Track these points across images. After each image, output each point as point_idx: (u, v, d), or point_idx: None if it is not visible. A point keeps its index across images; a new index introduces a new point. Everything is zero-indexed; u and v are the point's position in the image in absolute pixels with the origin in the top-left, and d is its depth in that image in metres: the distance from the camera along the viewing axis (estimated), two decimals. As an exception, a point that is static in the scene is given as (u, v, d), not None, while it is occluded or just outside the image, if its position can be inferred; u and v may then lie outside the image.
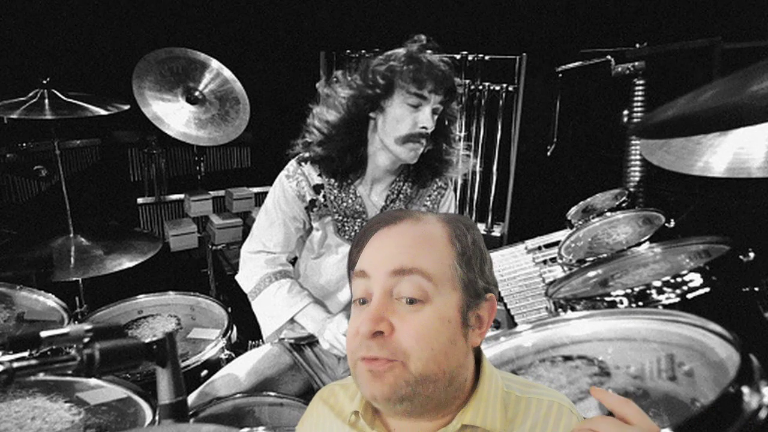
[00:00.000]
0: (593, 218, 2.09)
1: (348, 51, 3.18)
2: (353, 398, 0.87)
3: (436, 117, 1.56)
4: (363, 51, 3.09)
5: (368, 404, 0.83)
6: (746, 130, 1.14)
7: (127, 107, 2.38)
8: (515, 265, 2.15)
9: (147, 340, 0.89)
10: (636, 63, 2.48)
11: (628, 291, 1.29)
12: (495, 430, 0.77)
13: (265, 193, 2.04)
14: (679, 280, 1.24)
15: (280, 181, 1.69)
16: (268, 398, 1.56)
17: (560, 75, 2.66)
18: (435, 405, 0.76)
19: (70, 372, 0.80)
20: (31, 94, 2.25)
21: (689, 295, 1.22)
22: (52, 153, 2.39)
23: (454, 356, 0.76)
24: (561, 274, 1.89)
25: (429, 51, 1.56)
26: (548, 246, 2.18)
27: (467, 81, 2.99)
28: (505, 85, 2.95)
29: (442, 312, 0.76)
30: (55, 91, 2.28)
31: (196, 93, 2.85)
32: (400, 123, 1.53)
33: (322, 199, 1.67)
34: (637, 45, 2.50)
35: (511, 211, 3.08)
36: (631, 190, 2.43)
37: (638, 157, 2.57)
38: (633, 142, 2.58)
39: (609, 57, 2.53)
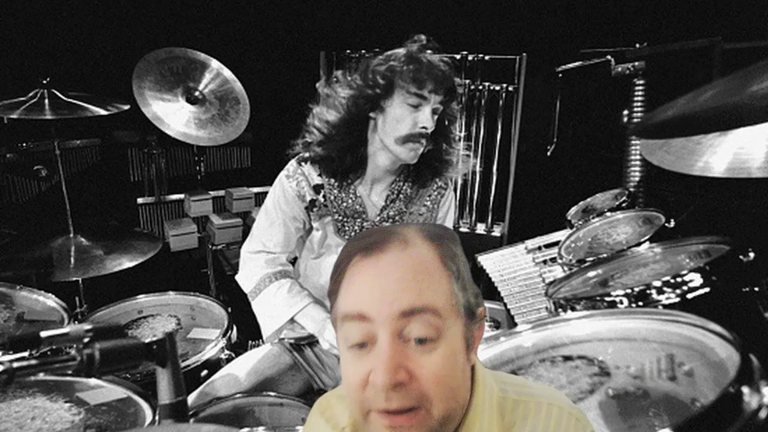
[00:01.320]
0: (593, 218, 2.09)
1: (348, 51, 3.18)
2: (346, 411, 0.85)
3: (436, 117, 1.56)
4: (363, 51, 3.09)
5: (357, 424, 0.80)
6: (746, 130, 1.14)
7: (127, 107, 2.38)
8: (515, 265, 2.15)
9: (147, 340, 0.90)
10: (636, 63, 2.48)
11: (628, 291, 1.29)
12: None
13: (265, 193, 2.03)
14: (679, 280, 1.24)
15: (280, 181, 1.69)
16: (268, 398, 1.56)
17: (560, 75, 2.66)
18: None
19: (70, 372, 0.80)
20: (31, 94, 2.25)
21: (689, 295, 1.22)
22: (52, 153, 2.39)
23: (465, 385, 0.75)
24: (561, 274, 1.88)
25: (429, 51, 1.56)
26: (548, 246, 2.18)
27: (467, 81, 2.99)
28: (505, 85, 2.95)
29: (453, 346, 0.72)
30: (55, 91, 2.28)
31: (196, 93, 2.85)
32: (400, 123, 1.53)
33: (322, 199, 1.67)
34: (637, 45, 2.49)
35: (511, 211, 3.08)
36: (631, 190, 2.43)
37: (638, 157, 2.57)
38: (633, 142, 2.58)
39: (609, 57, 2.53)
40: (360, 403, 0.72)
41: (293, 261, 1.82)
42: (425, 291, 0.71)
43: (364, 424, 0.73)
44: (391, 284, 0.71)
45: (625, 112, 2.66)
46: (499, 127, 3.00)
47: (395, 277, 0.71)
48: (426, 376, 0.69)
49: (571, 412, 0.78)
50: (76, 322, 2.09)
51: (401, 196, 1.69)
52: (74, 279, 2.32)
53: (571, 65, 2.61)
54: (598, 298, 1.34)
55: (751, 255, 1.27)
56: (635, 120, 2.58)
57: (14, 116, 2.10)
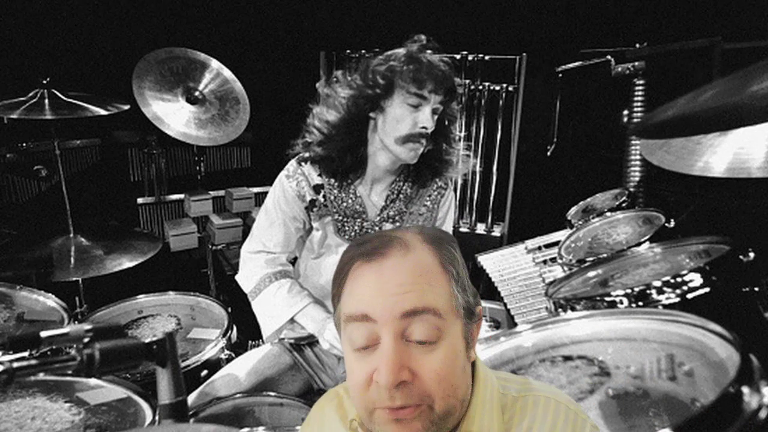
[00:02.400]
0: (593, 218, 2.09)
1: (348, 51, 3.18)
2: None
3: (436, 117, 1.56)
4: (363, 51, 3.09)
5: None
6: (746, 130, 1.14)
7: (127, 107, 2.38)
8: (515, 265, 2.15)
9: (147, 340, 0.89)
10: (636, 63, 2.48)
11: (628, 291, 1.29)
12: None
13: (265, 193, 2.04)
14: (679, 280, 1.24)
15: (280, 181, 1.69)
16: (268, 398, 1.56)
17: (560, 75, 2.66)
18: (449, 428, 0.76)
19: (70, 372, 0.80)
20: (31, 94, 2.25)
21: (689, 295, 1.22)
22: (52, 153, 2.39)
23: (465, 382, 0.77)
24: (561, 274, 1.88)
25: (429, 51, 1.56)
26: (548, 246, 2.18)
27: (467, 81, 2.99)
28: (505, 85, 2.94)
29: (453, 346, 0.75)
30: (55, 91, 2.28)
31: (196, 93, 2.85)
32: (400, 123, 1.53)
33: (322, 199, 1.67)
34: (637, 45, 2.49)
35: (511, 211, 3.08)
36: (631, 190, 2.43)
37: (638, 157, 2.57)
38: (633, 142, 2.58)
39: (609, 57, 2.53)
40: (365, 402, 0.75)
41: (293, 261, 1.82)
42: (426, 293, 0.74)
43: (369, 422, 0.76)
44: (394, 287, 0.74)
45: (625, 112, 2.66)
46: (499, 127, 3.00)
47: (397, 280, 0.74)
48: (428, 375, 0.72)
49: (569, 406, 0.79)
50: (76, 322, 2.09)
51: (401, 196, 1.69)
52: (74, 279, 2.32)
53: (571, 65, 2.61)
54: (598, 298, 1.34)
55: (751, 255, 1.27)
56: (635, 120, 2.58)
57: (14, 116, 2.10)
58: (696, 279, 1.23)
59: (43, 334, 0.80)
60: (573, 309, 1.38)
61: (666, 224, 1.73)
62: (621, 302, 1.29)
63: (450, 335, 0.75)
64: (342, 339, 0.80)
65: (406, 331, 0.73)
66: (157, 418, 1.26)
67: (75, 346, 0.82)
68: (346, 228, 1.68)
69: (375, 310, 0.73)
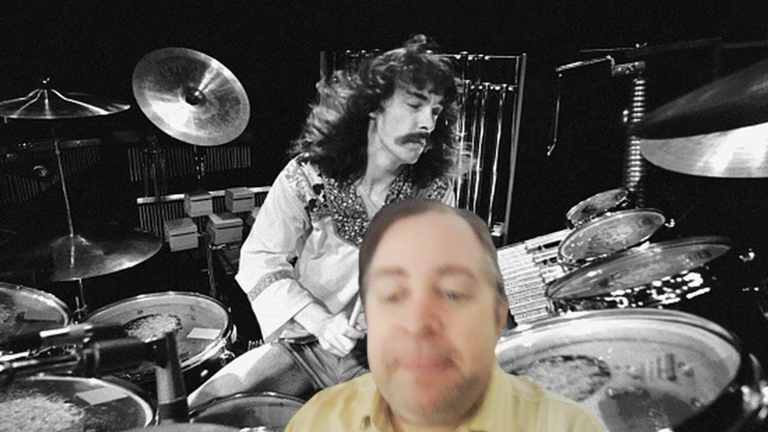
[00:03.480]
0: (593, 218, 2.09)
1: (348, 51, 3.18)
2: (360, 402, 0.83)
3: (436, 117, 1.56)
4: (363, 51, 3.09)
5: (380, 409, 0.78)
6: (746, 130, 1.14)
7: (127, 107, 2.38)
8: (515, 265, 2.15)
9: (147, 340, 0.89)
10: (636, 63, 2.48)
11: (628, 291, 1.29)
12: None
13: (265, 193, 2.04)
14: (679, 280, 1.24)
15: (280, 181, 1.69)
16: (268, 398, 1.56)
17: (560, 75, 2.66)
18: (467, 410, 0.73)
19: (70, 372, 0.80)
20: (31, 94, 2.25)
21: (689, 295, 1.22)
22: (52, 153, 2.39)
23: (492, 355, 0.75)
24: (561, 274, 1.88)
25: (429, 51, 1.56)
26: (548, 246, 2.18)
27: (467, 81, 2.99)
28: (505, 85, 2.95)
29: (483, 308, 0.73)
30: (55, 91, 2.28)
31: (196, 93, 2.85)
32: (400, 123, 1.53)
33: (322, 199, 1.67)
34: (637, 45, 2.50)
35: (511, 211, 3.08)
36: (631, 190, 2.44)
37: (638, 157, 2.57)
38: (633, 142, 2.58)
39: (609, 57, 2.53)
40: (386, 356, 0.70)
41: (293, 261, 1.82)
42: (461, 253, 0.74)
43: (387, 383, 0.71)
44: (430, 242, 0.73)
45: (625, 112, 2.67)
46: (499, 127, 3.00)
47: (434, 236, 0.74)
48: (457, 328, 0.69)
49: (588, 417, 0.76)
50: (76, 322, 2.09)
51: (401, 196, 1.69)
52: (74, 279, 2.32)
53: (571, 65, 2.62)
54: (598, 298, 1.34)
55: (751, 255, 1.27)
56: (635, 120, 2.58)
57: (14, 116, 2.10)
58: (696, 279, 1.23)
59: (43, 334, 0.80)
60: (573, 309, 1.37)
61: (666, 224, 1.73)
62: (621, 302, 1.29)
63: (481, 298, 0.73)
64: (369, 294, 0.77)
65: (439, 284, 0.71)
66: (157, 418, 1.26)
67: (75, 346, 0.82)
68: (346, 228, 1.68)
69: (409, 264, 0.72)
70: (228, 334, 1.92)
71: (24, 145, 2.83)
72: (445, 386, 0.68)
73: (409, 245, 0.74)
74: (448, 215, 0.78)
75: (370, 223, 0.81)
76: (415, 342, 0.67)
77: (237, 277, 1.77)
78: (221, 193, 3.17)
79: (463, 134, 2.76)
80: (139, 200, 3.12)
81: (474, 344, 0.70)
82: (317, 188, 1.67)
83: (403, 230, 0.75)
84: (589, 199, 2.37)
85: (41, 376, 1.47)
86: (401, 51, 1.55)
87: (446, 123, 1.65)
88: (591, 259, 1.72)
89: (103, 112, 2.24)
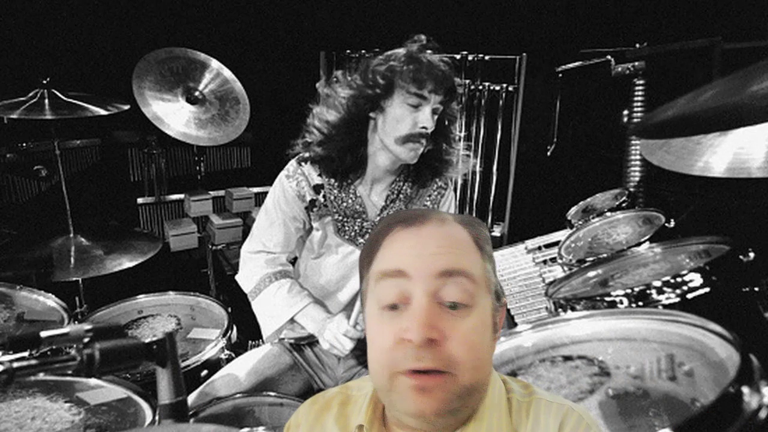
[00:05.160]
0: (593, 218, 2.09)
1: (348, 51, 3.18)
2: (355, 408, 0.84)
3: (436, 117, 1.56)
4: (363, 51, 3.09)
5: (374, 417, 0.80)
6: (746, 130, 1.14)
7: (127, 107, 2.38)
8: (515, 265, 2.15)
9: (147, 340, 0.89)
10: (636, 63, 2.48)
11: (628, 291, 1.29)
12: None
13: (265, 193, 2.04)
14: (679, 280, 1.24)
15: (280, 181, 1.69)
16: (268, 398, 1.56)
17: (560, 75, 2.66)
18: (466, 416, 0.74)
19: (70, 372, 0.80)
20: (31, 94, 2.25)
21: (689, 295, 1.22)
22: (52, 153, 2.39)
23: (489, 363, 0.76)
24: (561, 274, 1.88)
25: (429, 51, 1.56)
26: (548, 246, 2.18)
27: (467, 81, 2.99)
28: (505, 85, 2.95)
29: (483, 319, 0.74)
30: (55, 91, 2.28)
31: (196, 93, 2.85)
32: (400, 123, 1.53)
33: (322, 199, 1.67)
34: (637, 45, 2.50)
35: (511, 211, 3.08)
36: (631, 190, 2.44)
37: (638, 157, 2.57)
38: (633, 142, 2.58)
39: (609, 57, 2.53)
40: (388, 365, 0.72)
41: (293, 261, 1.82)
42: (462, 258, 0.75)
43: (389, 391, 0.72)
44: (431, 247, 0.75)
45: (625, 112, 2.67)
46: (499, 127, 3.00)
47: (435, 242, 0.75)
48: (457, 339, 0.70)
49: (582, 415, 0.77)
50: (76, 322, 2.09)
51: (401, 196, 1.69)
52: (74, 279, 2.31)
53: (571, 65, 2.62)
54: (598, 298, 1.34)
55: (751, 255, 1.27)
56: (635, 120, 2.58)
57: (14, 116, 2.10)
58: (696, 279, 1.23)
59: (43, 334, 0.80)
60: (573, 309, 1.38)
61: (666, 224, 1.73)
62: (621, 302, 1.30)
63: (481, 306, 0.74)
64: (368, 301, 0.78)
65: (440, 292, 0.72)
66: (157, 418, 1.26)
67: (75, 346, 0.81)
68: (346, 228, 1.68)
69: (411, 266, 0.73)
70: (228, 334, 1.92)
71: (24, 145, 2.83)
72: (444, 396, 0.69)
73: (409, 249, 0.75)
74: (448, 224, 0.79)
75: (371, 232, 0.82)
76: (417, 351, 0.69)
77: (237, 277, 1.77)
78: (221, 193, 3.17)
79: (463, 134, 2.76)
80: (139, 200, 3.12)
81: (473, 354, 0.71)
82: (317, 188, 1.67)
83: (403, 237, 0.77)
84: (589, 199, 2.37)
85: (41, 376, 1.47)
86: (401, 51, 1.55)
87: (446, 123, 1.65)
88: (591, 259, 1.72)
89: (103, 112, 2.24)
